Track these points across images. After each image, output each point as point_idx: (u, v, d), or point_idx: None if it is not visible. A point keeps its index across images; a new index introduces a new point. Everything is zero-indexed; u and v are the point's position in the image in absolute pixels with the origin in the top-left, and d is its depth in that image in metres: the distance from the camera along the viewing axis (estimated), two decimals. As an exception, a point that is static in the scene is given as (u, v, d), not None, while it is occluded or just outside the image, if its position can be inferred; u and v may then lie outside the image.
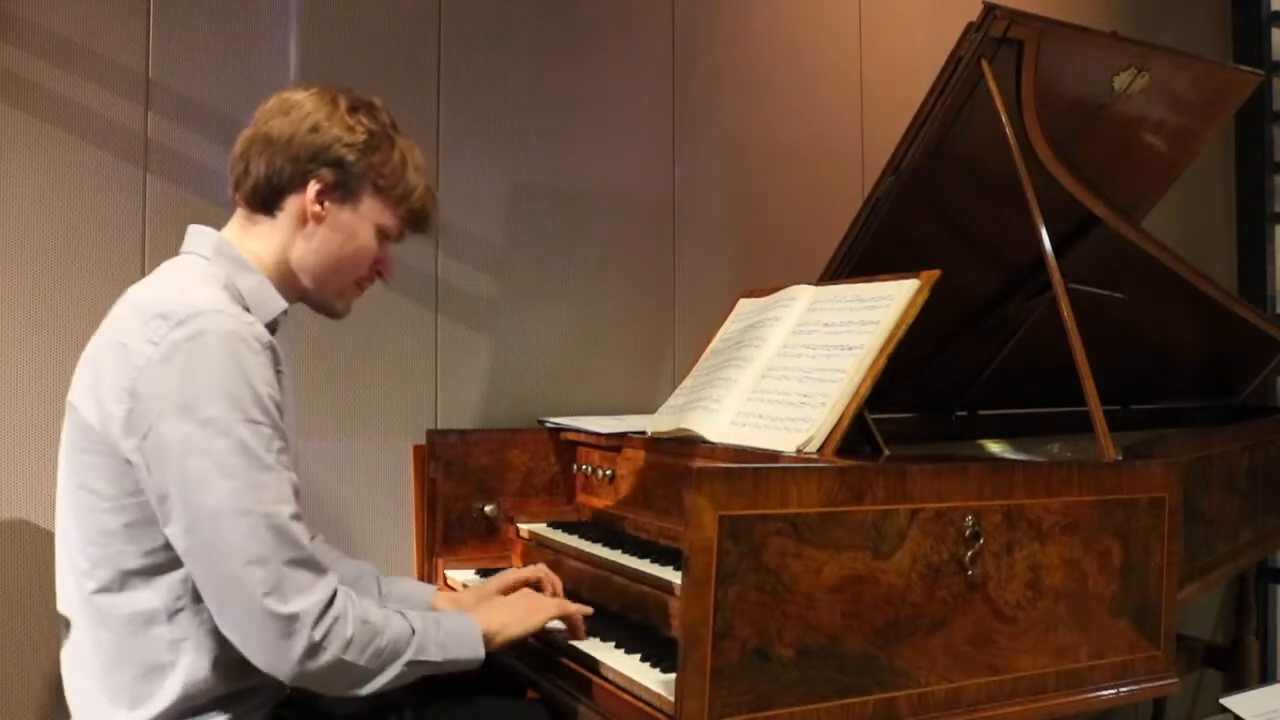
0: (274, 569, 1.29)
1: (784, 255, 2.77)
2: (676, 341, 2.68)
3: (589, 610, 1.66)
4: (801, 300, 1.95)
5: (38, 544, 1.95)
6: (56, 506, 1.45)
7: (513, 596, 1.67)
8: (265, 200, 1.50)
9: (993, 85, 1.95)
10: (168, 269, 1.49)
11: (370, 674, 1.37)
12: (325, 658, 1.32)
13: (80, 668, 1.41)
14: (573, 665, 1.59)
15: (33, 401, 1.95)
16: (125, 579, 1.37)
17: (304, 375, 2.22)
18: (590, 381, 2.56)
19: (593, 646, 1.59)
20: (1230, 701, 2.01)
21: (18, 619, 1.93)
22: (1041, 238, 1.89)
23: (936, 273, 1.74)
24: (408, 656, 1.40)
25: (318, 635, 1.31)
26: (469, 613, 1.56)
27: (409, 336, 2.34)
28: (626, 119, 2.63)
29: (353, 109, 1.51)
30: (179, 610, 1.37)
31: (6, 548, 1.94)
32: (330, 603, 1.33)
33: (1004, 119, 1.95)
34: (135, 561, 1.36)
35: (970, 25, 1.96)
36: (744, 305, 2.18)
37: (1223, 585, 3.15)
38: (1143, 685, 1.69)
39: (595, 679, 1.53)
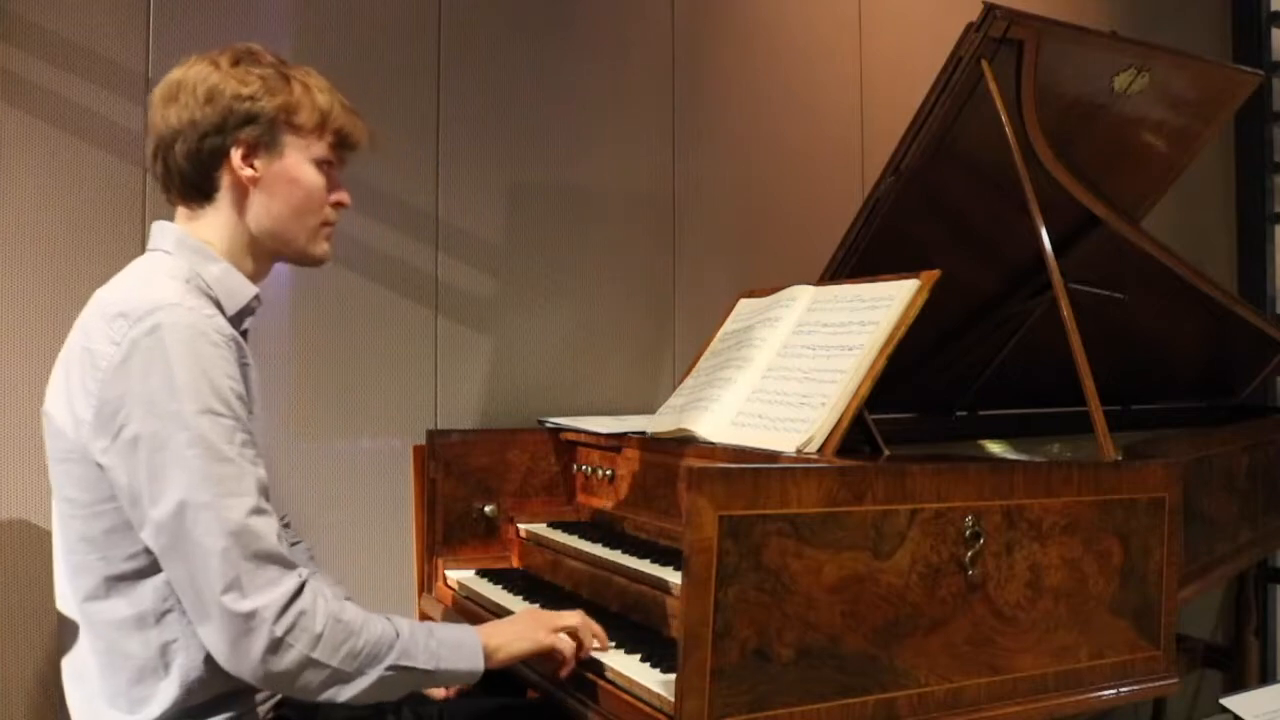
0: (233, 564, 1.26)
1: (784, 255, 2.77)
2: (676, 341, 2.68)
3: (604, 642, 1.56)
4: (801, 300, 1.95)
5: (38, 544, 1.95)
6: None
7: (520, 614, 1.60)
8: (199, 187, 1.47)
9: (993, 85, 1.95)
10: (131, 268, 1.47)
11: (345, 676, 1.31)
12: (290, 656, 1.27)
13: (78, 675, 1.41)
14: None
15: (33, 402, 1.94)
16: (110, 585, 1.35)
17: (304, 376, 2.22)
18: (590, 381, 2.56)
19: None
20: (1230, 701, 2.01)
21: (17, 620, 1.93)
22: (1041, 238, 1.89)
23: (936, 273, 1.74)
24: (389, 661, 1.34)
25: (279, 630, 1.26)
26: (471, 626, 1.49)
27: (409, 336, 2.34)
28: (626, 119, 2.63)
29: (235, 62, 1.46)
30: (167, 612, 1.35)
31: (6, 548, 1.94)
32: (295, 597, 1.28)
33: (1004, 119, 1.95)
34: (118, 567, 1.35)
35: (970, 25, 1.96)
36: (744, 305, 2.18)
37: (1223, 585, 3.15)
38: (1143, 685, 1.69)
39: (595, 679, 1.53)
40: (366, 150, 1.58)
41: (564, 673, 1.54)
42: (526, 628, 1.52)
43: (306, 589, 1.30)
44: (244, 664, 1.27)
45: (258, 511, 1.30)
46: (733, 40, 2.78)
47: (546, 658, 1.53)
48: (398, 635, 1.37)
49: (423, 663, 1.38)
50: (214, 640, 1.28)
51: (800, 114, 2.88)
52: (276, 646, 1.26)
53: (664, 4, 2.68)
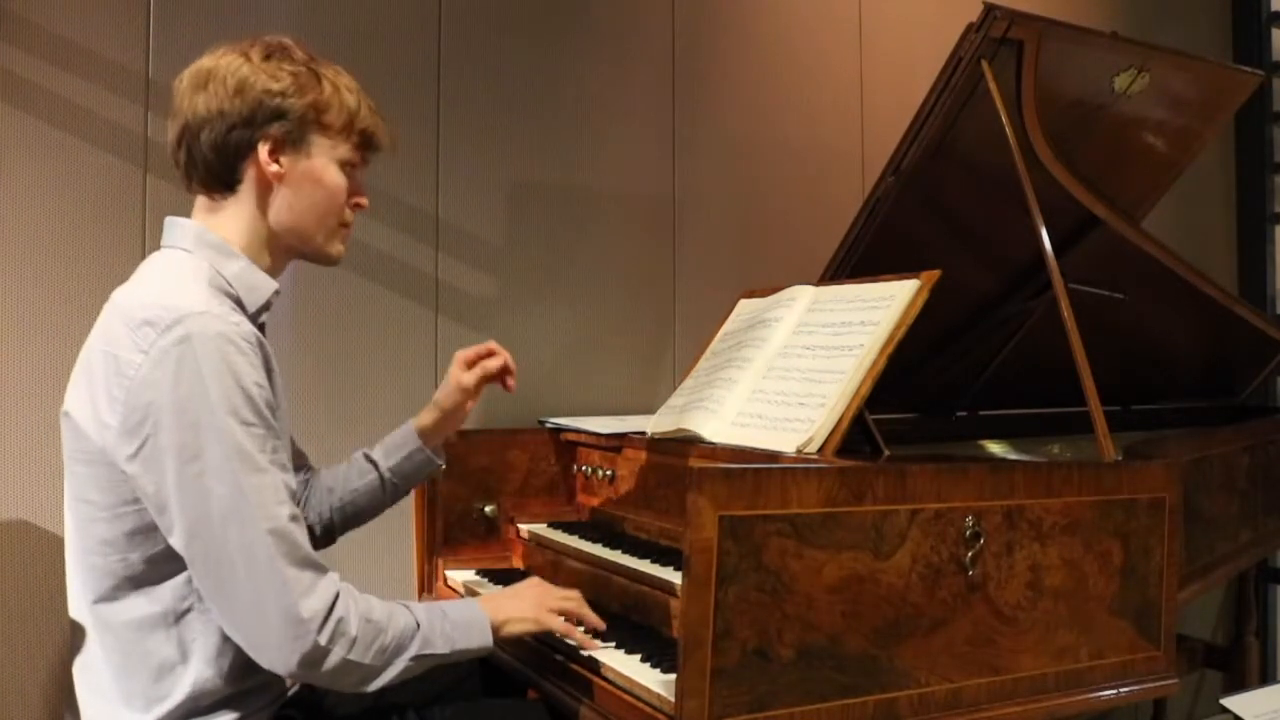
0: (276, 571, 1.29)
1: (784, 255, 2.77)
2: (676, 341, 2.68)
3: (600, 624, 1.61)
4: (802, 300, 1.95)
5: (38, 545, 1.94)
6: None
7: (524, 587, 1.64)
8: (221, 178, 1.45)
9: (993, 85, 1.95)
10: (150, 268, 1.46)
11: (376, 670, 1.37)
12: (331, 660, 1.32)
13: (90, 675, 1.41)
14: (573, 665, 1.59)
15: (32, 402, 1.95)
16: (129, 586, 1.36)
17: (304, 376, 2.22)
18: (590, 381, 2.56)
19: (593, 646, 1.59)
20: (1230, 701, 2.01)
21: (17, 621, 1.93)
22: (1041, 238, 1.89)
23: (936, 273, 1.74)
24: (413, 651, 1.40)
25: (323, 639, 1.31)
26: (476, 601, 1.54)
27: (409, 336, 2.34)
28: (626, 119, 2.63)
29: (267, 56, 1.46)
30: (185, 612, 1.36)
31: (6, 549, 1.94)
32: (334, 605, 1.33)
33: (1004, 119, 1.95)
34: (138, 568, 1.36)
35: (970, 25, 1.96)
36: (744, 305, 2.18)
37: (1223, 585, 3.15)
38: (1143, 685, 1.69)
39: (596, 679, 1.53)
40: (387, 153, 1.58)
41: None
42: (528, 606, 1.57)
43: (341, 594, 1.35)
44: (287, 666, 1.31)
45: (294, 519, 1.33)
46: (733, 39, 2.78)
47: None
48: (418, 626, 1.41)
49: (440, 648, 1.43)
50: (254, 643, 1.31)
51: (800, 114, 2.88)
52: (319, 653, 1.31)
53: (664, 5, 2.68)
